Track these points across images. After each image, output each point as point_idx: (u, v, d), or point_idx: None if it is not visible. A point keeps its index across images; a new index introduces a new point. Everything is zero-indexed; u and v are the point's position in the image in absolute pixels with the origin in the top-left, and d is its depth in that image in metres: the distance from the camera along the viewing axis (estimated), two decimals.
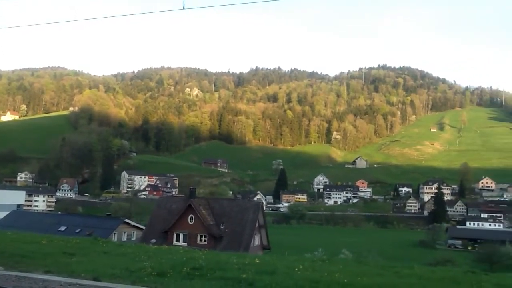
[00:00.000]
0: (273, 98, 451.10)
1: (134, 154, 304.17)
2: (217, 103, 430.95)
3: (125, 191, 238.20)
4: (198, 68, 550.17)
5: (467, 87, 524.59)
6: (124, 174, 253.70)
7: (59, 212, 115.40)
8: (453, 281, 16.47)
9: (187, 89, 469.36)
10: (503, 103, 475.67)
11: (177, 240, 47.32)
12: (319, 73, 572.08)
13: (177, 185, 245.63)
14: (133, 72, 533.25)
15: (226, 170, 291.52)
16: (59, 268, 14.04)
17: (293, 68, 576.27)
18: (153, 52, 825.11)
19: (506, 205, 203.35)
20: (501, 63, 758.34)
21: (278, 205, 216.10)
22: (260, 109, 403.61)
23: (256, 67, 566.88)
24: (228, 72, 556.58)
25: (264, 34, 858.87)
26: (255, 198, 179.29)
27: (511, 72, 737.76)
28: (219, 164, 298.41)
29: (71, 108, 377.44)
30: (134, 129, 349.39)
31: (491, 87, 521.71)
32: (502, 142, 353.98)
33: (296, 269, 16.50)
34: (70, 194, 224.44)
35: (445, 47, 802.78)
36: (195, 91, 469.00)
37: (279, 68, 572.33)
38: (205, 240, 46.76)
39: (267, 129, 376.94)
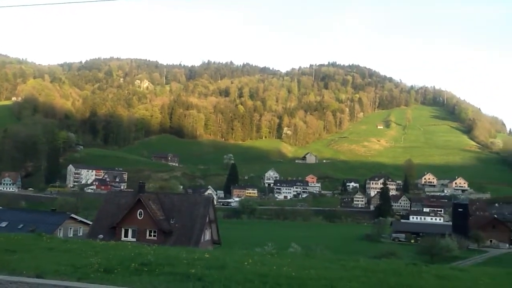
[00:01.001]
0: (225, 93, 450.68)
1: (81, 147, 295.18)
2: (168, 96, 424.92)
3: (72, 185, 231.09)
4: (149, 60, 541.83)
5: (412, 86, 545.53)
6: (71, 168, 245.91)
7: (0, 207, 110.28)
8: (396, 273, 17.12)
9: (137, 81, 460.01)
10: (445, 102, 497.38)
11: (126, 236, 46.57)
12: (270, 68, 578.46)
13: (126, 180, 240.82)
14: (81, 62, 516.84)
15: (177, 165, 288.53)
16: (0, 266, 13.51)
17: (245, 63, 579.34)
18: (101, 42, 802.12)
19: (446, 200, 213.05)
20: (444, 64, 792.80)
21: (229, 200, 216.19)
22: (211, 103, 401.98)
23: (208, 60, 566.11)
24: (180, 64, 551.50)
25: (216, 28, 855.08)
26: (206, 193, 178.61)
27: (452, 72, 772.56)
28: (169, 158, 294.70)
29: (14, 98, 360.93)
30: (81, 122, 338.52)
31: (434, 86, 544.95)
32: (443, 139, 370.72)
33: (246, 263, 16.64)
34: (12, 188, 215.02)
35: (392, 47, 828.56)
36: (146, 83, 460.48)
37: (231, 62, 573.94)
38: (154, 236, 46.27)
39: (219, 124, 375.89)
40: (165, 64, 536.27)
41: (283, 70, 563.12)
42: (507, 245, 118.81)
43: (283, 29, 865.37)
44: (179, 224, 47.14)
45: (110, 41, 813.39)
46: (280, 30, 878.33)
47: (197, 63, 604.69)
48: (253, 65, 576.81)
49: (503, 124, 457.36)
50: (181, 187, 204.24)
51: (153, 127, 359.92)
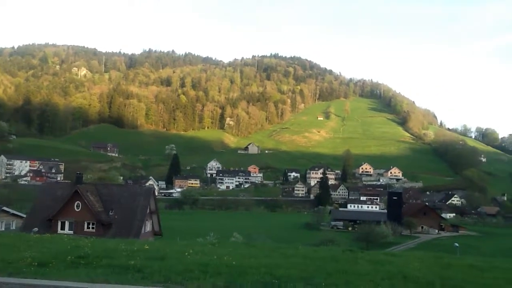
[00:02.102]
0: (167, 82, 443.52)
1: (14, 136, 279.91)
2: (107, 84, 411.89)
3: (4, 177, 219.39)
4: (87, 47, 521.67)
5: (351, 78, 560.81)
6: (2, 159, 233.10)
7: None
8: (333, 259, 17.80)
9: (74, 68, 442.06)
10: (382, 95, 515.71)
11: (63, 229, 45.13)
12: (213, 58, 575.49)
13: (62, 171, 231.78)
14: (13, 47, 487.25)
15: (117, 155, 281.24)
16: None
17: (187, 52, 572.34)
18: (36, 27, 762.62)
19: (381, 189, 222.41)
20: (381, 57, 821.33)
21: (171, 191, 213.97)
22: (153, 93, 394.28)
23: (149, 49, 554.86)
24: (119, 52, 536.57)
25: (157, 15, 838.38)
26: (147, 184, 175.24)
27: (389, 66, 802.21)
28: (109, 149, 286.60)
29: None
30: (14, 110, 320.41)
31: (371, 79, 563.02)
32: (379, 131, 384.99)
33: (186, 253, 16.69)
34: None
35: (332, 40, 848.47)
36: (83, 71, 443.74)
37: (173, 51, 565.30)
38: (93, 228, 45.15)
39: (160, 113, 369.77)
40: (104, 51, 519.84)
41: (226, 60, 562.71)
42: (437, 230, 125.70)
43: (226, 19, 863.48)
44: (118, 216, 46.23)
45: (45, 26, 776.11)
46: (223, 20, 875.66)
47: (137, 51, 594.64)
48: (196, 54, 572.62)
49: (435, 117, 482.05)
50: (121, 178, 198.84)
51: (91, 117, 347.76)
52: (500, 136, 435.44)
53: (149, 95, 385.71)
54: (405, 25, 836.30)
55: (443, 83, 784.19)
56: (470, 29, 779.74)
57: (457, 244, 62.17)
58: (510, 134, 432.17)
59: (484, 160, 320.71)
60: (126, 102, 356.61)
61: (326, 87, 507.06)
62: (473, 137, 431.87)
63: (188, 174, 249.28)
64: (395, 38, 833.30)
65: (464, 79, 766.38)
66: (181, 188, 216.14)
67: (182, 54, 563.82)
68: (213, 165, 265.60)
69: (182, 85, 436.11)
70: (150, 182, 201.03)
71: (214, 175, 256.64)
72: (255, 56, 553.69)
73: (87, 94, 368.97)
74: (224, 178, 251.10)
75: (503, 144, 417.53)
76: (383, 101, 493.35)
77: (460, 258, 23.93)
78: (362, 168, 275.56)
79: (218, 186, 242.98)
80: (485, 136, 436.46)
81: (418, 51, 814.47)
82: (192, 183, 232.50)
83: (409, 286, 13.15)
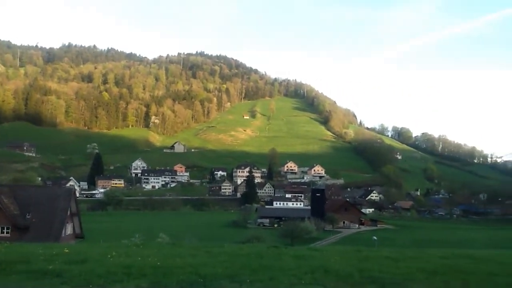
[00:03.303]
0: (88, 78, 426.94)
1: None
2: (22, 80, 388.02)
3: None
4: (0, 40, 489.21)
5: (275, 78, 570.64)
6: None
7: None
8: (258, 256, 18.15)
9: None
10: (305, 94, 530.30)
11: None
12: (137, 55, 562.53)
13: None
14: None
15: (34, 155, 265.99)
16: None
17: (109, 48, 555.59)
18: None
19: (306, 186, 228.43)
20: (304, 58, 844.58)
21: (93, 192, 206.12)
22: (73, 89, 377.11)
23: (69, 43, 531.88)
24: (36, 46, 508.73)
25: (78, 8, 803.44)
26: (68, 185, 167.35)
27: (312, 67, 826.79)
28: (25, 148, 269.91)
29: None
30: None
31: (295, 79, 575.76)
32: (303, 130, 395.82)
33: (109, 256, 16.29)
34: None
35: (258, 40, 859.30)
36: None
37: (94, 46, 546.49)
38: (7, 232, 42.66)
39: (81, 111, 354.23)
40: (19, 44, 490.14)
41: (150, 57, 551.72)
42: (357, 225, 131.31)
43: (150, 15, 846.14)
44: (36, 219, 43.97)
45: None
46: (147, 16, 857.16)
47: (56, 45, 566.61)
48: (119, 50, 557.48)
49: (354, 116, 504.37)
50: (39, 179, 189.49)
51: (5, 114, 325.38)
52: (413, 135, 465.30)
53: (69, 91, 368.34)
54: (325, 27, 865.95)
55: (362, 84, 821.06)
56: (386, 32, 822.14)
57: (375, 238, 65.53)
58: (422, 133, 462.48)
59: (399, 157, 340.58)
60: (44, 99, 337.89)
61: (252, 86, 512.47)
62: (389, 136, 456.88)
63: (111, 174, 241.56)
64: (316, 39, 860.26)
65: (381, 80, 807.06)
66: (104, 188, 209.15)
67: (105, 50, 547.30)
68: (138, 165, 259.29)
69: (105, 81, 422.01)
70: (71, 182, 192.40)
71: (139, 174, 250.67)
72: (180, 53, 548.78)
73: (1, 90, 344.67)
74: (150, 177, 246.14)
75: (416, 142, 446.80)
76: (307, 101, 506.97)
77: (377, 251, 25.24)
78: (287, 166, 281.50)
79: (144, 186, 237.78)
80: (401, 134, 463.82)
81: (339, 52, 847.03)
82: (116, 183, 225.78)
83: (330, 279, 13.71)
